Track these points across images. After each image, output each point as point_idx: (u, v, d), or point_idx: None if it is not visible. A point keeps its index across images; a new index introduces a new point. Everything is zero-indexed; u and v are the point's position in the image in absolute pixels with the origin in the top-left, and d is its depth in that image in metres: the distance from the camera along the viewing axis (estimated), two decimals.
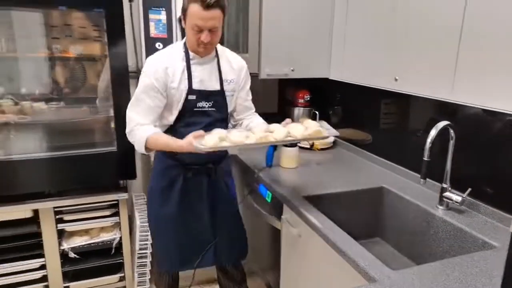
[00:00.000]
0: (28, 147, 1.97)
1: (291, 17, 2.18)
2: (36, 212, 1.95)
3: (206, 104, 1.57)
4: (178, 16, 1.95)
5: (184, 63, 1.53)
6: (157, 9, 1.91)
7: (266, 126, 1.52)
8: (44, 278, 2.03)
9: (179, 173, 1.64)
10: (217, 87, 1.60)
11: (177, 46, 1.58)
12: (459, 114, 1.47)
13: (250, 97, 1.78)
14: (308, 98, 2.46)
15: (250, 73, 2.29)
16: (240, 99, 1.74)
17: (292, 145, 1.85)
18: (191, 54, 1.54)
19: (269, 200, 1.76)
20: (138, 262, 2.19)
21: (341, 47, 2.20)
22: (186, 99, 1.53)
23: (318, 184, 1.71)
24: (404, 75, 1.72)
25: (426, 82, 1.60)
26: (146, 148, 1.51)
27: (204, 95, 1.56)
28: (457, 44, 1.43)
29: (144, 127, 1.51)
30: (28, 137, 2.02)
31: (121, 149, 1.96)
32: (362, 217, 1.68)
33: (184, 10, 1.45)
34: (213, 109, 1.59)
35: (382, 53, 1.84)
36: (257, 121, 1.73)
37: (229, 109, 1.67)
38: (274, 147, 1.87)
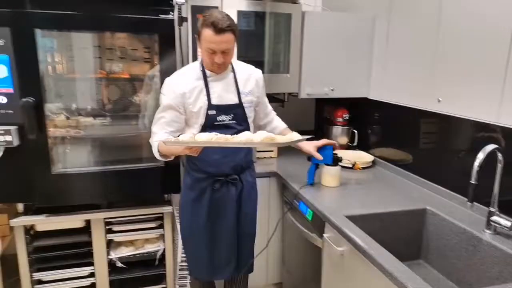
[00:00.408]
0: (81, 161, 2.10)
1: (332, 38, 2.23)
2: (88, 222, 2.07)
3: (226, 117, 1.66)
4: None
5: (201, 81, 1.63)
6: None
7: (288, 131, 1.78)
8: (92, 286, 2.13)
9: (207, 186, 1.73)
10: (236, 100, 1.68)
11: (194, 66, 1.69)
12: (504, 136, 1.46)
13: (267, 101, 1.88)
14: (347, 117, 2.48)
15: (290, 93, 2.38)
16: (262, 109, 1.83)
17: (334, 164, 1.88)
18: (208, 72, 1.64)
19: (310, 218, 1.79)
20: (179, 274, 2.26)
21: (381, 67, 2.22)
22: (207, 114, 1.63)
23: (360, 203, 1.73)
24: (447, 96, 1.72)
25: (470, 104, 1.59)
26: (161, 154, 1.63)
27: (223, 109, 1.65)
28: (504, 64, 1.42)
29: (158, 135, 1.64)
30: (82, 151, 2.15)
31: (167, 164, 2.06)
32: (405, 238, 1.67)
33: (198, 34, 1.55)
34: (234, 121, 1.67)
35: (425, 73, 1.85)
36: (280, 129, 1.88)
37: (250, 120, 1.73)
38: (316, 166, 1.90)
